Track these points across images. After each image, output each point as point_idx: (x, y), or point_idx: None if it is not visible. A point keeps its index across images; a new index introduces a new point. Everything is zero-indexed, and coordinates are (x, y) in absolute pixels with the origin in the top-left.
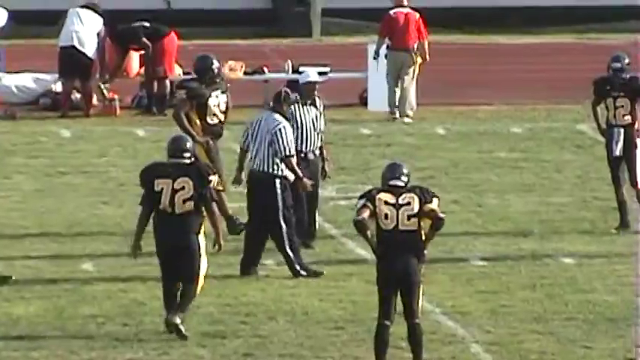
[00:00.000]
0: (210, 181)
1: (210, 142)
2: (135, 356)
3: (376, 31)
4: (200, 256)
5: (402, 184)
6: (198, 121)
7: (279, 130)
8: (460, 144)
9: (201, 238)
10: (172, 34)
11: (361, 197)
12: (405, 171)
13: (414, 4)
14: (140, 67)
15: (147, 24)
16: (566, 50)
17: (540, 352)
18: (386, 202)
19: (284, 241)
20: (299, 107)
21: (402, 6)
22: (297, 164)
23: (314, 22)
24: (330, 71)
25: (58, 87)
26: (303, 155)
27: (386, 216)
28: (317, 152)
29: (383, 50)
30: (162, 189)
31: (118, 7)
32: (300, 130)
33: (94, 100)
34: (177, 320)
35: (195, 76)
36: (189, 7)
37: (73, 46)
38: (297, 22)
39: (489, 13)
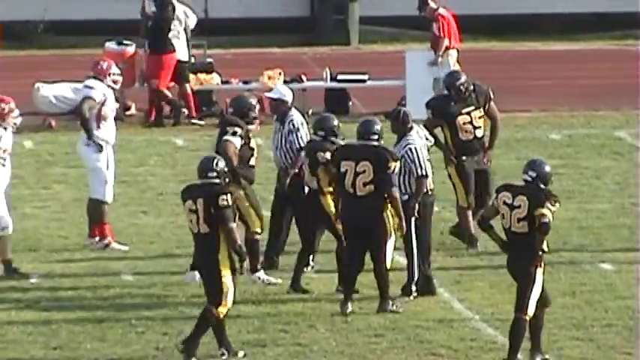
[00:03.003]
0: (390, 166)
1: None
2: None
3: (414, 38)
4: (387, 234)
5: (530, 179)
6: (449, 139)
7: (409, 150)
8: (499, 151)
9: (388, 216)
10: (174, 53)
11: (496, 191)
12: (537, 166)
13: (452, 12)
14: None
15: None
16: (603, 56)
17: (580, 358)
18: (504, 202)
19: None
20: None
21: (441, 6)
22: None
23: (352, 30)
24: (369, 79)
25: None
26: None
27: (503, 215)
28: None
29: (423, 57)
30: (346, 170)
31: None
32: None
33: (133, 109)
34: (349, 309)
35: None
36: (227, 16)
37: None
38: (336, 30)
39: (526, 20)
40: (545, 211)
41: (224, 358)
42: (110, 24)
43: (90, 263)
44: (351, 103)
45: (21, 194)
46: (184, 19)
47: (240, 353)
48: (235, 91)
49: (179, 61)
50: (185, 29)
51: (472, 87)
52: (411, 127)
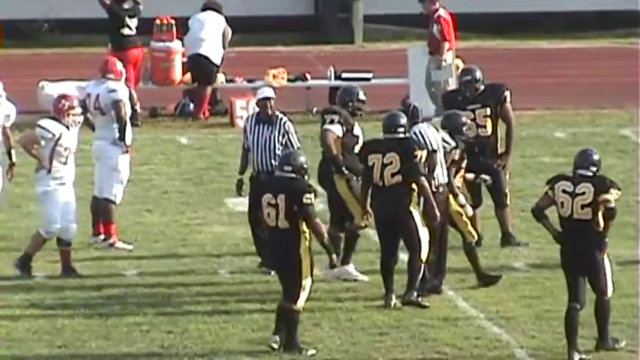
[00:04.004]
0: (416, 155)
1: None
2: None
3: (418, 36)
4: (416, 224)
5: (590, 174)
6: None
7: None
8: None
9: (413, 209)
10: (137, 49)
11: (547, 182)
12: (595, 159)
13: (455, 10)
14: (183, 74)
15: (131, 26)
16: (608, 54)
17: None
18: (564, 191)
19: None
20: (252, 126)
21: (441, 6)
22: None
23: (356, 28)
24: (373, 77)
25: None
26: (255, 175)
27: (562, 204)
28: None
29: (425, 53)
30: (373, 164)
31: (161, 15)
32: (252, 150)
33: (137, 108)
34: (393, 301)
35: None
36: (231, 14)
37: (199, 54)
38: (340, 28)
39: (530, 18)
40: (609, 196)
41: (275, 346)
42: None
43: (94, 262)
44: None
45: (25, 192)
46: (223, 27)
47: (311, 351)
48: (239, 89)
49: (211, 63)
50: (224, 35)
51: (482, 86)
52: (422, 121)
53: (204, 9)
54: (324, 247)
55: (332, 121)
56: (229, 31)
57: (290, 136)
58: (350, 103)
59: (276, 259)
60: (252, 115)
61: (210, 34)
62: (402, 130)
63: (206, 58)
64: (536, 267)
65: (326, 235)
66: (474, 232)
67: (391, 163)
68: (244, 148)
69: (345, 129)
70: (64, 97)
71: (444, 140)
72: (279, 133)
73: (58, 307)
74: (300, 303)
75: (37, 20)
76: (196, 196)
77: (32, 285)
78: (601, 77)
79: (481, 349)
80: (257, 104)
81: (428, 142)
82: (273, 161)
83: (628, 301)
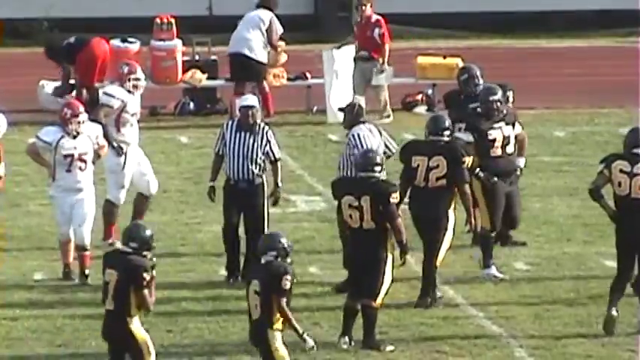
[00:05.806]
0: (464, 161)
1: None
2: None
3: (419, 35)
4: (446, 230)
5: None
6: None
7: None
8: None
9: (451, 213)
10: (93, 42)
11: (601, 162)
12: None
13: (456, 9)
14: (183, 73)
15: (72, 40)
16: (608, 54)
17: (585, 355)
18: (621, 170)
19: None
20: (232, 133)
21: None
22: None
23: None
24: None
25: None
26: (232, 183)
27: (619, 184)
28: (257, 180)
29: (338, 54)
30: (418, 165)
31: (161, 14)
32: (229, 157)
33: None
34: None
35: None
36: (231, 14)
37: (242, 54)
38: (339, 27)
39: (531, 17)
40: None
41: (345, 347)
42: (114, 21)
43: (94, 261)
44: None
45: (25, 192)
46: (268, 24)
47: (389, 347)
48: None
49: (256, 62)
50: (269, 32)
51: (482, 81)
52: (364, 122)
53: (257, 6)
54: (402, 246)
55: (460, 130)
56: (277, 29)
57: (271, 145)
58: (484, 104)
59: (359, 258)
60: (232, 122)
61: (255, 33)
62: (447, 133)
63: (249, 57)
64: (536, 266)
65: (405, 236)
66: None
67: (437, 166)
68: (217, 154)
69: (475, 133)
70: (67, 104)
71: (385, 146)
72: (261, 141)
73: (57, 306)
74: (379, 300)
75: (37, 19)
76: (196, 195)
77: (31, 284)
78: (601, 76)
79: (480, 348)
80: (239, 111)
81: (365, 146)
82: (254, 169)
83: (627, 300)
